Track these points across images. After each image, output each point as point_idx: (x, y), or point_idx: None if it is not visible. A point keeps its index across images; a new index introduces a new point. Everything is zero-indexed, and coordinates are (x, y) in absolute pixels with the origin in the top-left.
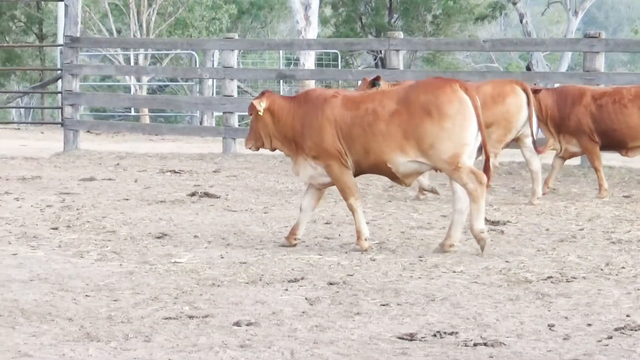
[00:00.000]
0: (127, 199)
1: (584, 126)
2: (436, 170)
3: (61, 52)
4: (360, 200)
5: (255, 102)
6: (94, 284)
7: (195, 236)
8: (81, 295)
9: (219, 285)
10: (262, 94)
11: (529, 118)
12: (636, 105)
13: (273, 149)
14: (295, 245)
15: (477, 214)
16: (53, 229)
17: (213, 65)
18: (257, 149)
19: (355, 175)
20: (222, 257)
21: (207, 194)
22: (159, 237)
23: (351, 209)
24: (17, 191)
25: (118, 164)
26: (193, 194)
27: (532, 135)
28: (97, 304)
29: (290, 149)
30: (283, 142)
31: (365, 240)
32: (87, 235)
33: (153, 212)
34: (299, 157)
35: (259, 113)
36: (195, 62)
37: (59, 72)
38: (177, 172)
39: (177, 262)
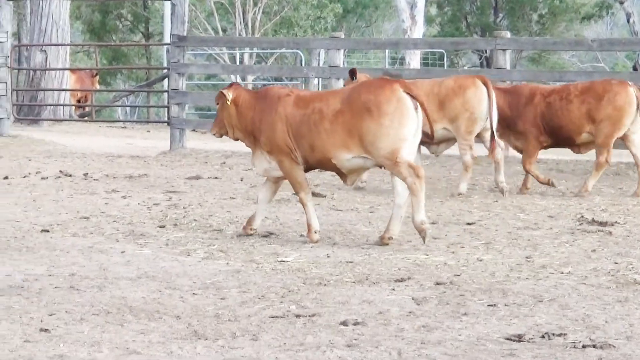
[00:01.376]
0: (233, 198)
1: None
2: (380, 167)
3: (168, 51)
4: (310, 194)
5: (225, 92)
6: (201, 282)
7: (302, 235)
8: (188, 293)
9: (325, 285)
10: (231, 85)
11: (489, 111)
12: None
13: (236, 139)
14: (251, 235)
15: (417, 207)
16: (160, 227)
17: (319, 64)
18: (221, 136)
19: (306, 170)
20: (328, 256)
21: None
22: (265, 236)
23: (302, 202)
24: (124, 189)
25: (224, 163)
26: None
27: (492, 129)
28: (205, 302)
29: (250, 142)
30: (244, 134)
31: (315, 232)
32: (194, 234)
33: None
34: (257, 150)
35: (227, 102)
36: (301, 61)
37: (166, 70)
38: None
39: (284, 261)
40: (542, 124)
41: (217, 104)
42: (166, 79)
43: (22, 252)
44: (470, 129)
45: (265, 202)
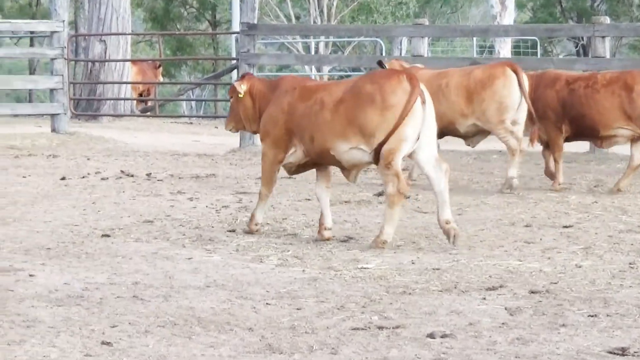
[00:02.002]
0: (308, 199)
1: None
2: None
3: (237, 40)
4: (269, 194)
5: (237, 85)
6: (274, 291)
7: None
8: (261, 304)
9: (410, 294)
10: (243, 76)
11: (523, 100)
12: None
13: (254, 132)
14: (328, 239)
15: (388, 221)
16: (230, 231)
17: (400, 53)
18: (237, 131)
19: (311, 166)
20: (413, 263)
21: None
22: (344, 241)
23: (260, 196)
24: (190, 190)
25: None
26: (380, 194)
27: (532, 115)
28: (279, 313)
29: None
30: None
31: (256, 225)
32: (267, 239)
33: (337, 213)
34: None
35: (239, 95)
36: (381, 50)
37: (235, 61)
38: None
39: (365, 268)
40: (563, 112)
41: (231, 97)
42: (235, 71)
43: (81, 258)
44: (502, 117)
45: (325, 196)
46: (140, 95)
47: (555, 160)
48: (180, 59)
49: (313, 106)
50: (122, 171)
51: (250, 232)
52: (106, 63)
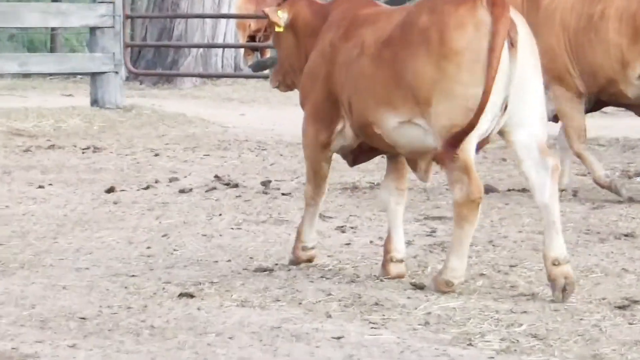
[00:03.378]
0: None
1: None
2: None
3: None
4: (319, 205)
5: (270, 12)
6: None
7: None
8: None
9: None
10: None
11: None
12: None
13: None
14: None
15: (456, 248)
16: (413, 287)
17: None
18: (288, 89)
19: (365, 151)
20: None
21: None
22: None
23: (305, 200)
24: (340, 212)
25: None
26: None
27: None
28: None
29: None
30: None
31: (304, 249)
32: (482, 301)
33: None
34: None
35: (278, 29)
36: None
37: None
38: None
39: None
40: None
41: (269, 33)
42: None
43: (142, 337)
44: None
45: (395, 205)
46: (252, 39)
47: None
48: None
49: (353, 50)
50: (216, 177)
51: (296, 262)
52: None
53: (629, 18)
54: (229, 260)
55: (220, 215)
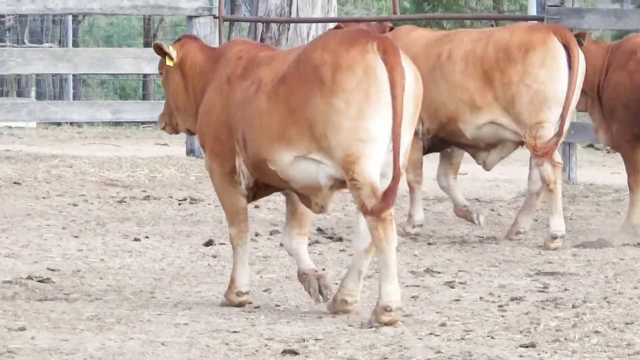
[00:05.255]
0: None
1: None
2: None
3: None
4: (246, 235)
5: (163, 47)
6: None
7: None
8: None
9: None
10: (179, 39)
11: (570, 86)
12: None
13: (189, 132)
14: None
15: (385, 276)
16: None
17: None
18: (175, 132)
19: (261, 190)
20: None
21: None
22: None
23: (231, 243)
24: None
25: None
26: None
27: (564, 113)
28: None
29: None
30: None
31: (239, 294)
32: None
33: None
34: None
35: (168, 64)
36: None
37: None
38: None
39: None
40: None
41: (161, 73)
42: None
43: None
44: (540, 116)
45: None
46: None
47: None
48: (431, 17)
49: (250, 87)
50: (319, 230)
51: (231, 304)
52: (291, 24)
53: (475, 61)
54: (334, 316)
55: (323, 269)
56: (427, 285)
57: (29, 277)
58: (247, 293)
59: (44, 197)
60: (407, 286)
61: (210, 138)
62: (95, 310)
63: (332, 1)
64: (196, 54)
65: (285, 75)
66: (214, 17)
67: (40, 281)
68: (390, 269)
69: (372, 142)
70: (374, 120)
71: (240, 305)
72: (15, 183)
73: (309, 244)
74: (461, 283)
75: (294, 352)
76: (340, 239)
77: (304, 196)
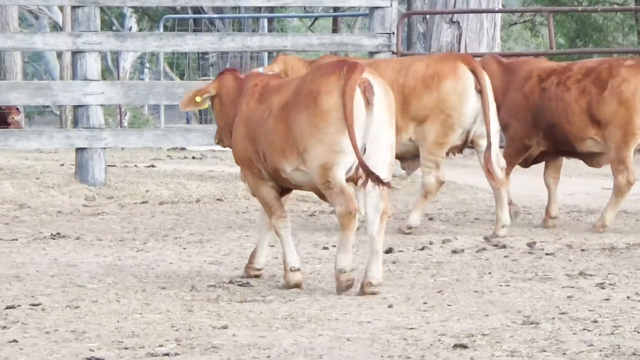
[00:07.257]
0: None
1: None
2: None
3: None
4: (286, 221)
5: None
6: None
7: None
8: None
9: None
10: (221, 73)
11: (484, 109)
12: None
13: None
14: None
15: (342, 248)
16: None
17: None
18: (223, 145)
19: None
20: None
21: None
22: None
23: (275, 231)
24: (600, 271)
25: None
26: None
27: (489, 135)
28: None
29: None
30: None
31: (293, 270)
32: None
33: None
34: None
35: (198, 100)
36: None
37: None
38: None
39: None
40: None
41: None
42: None
43: None
44: (443, 139)
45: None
46: None
47: None
48: (583, 52)
49: (264, 111)
50: (486, 239)
51: (288, 284)
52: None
53: (398, 88)
54: (498, 314)
55: (489, 273)
56: (580, 286)
57: (231, 282)
58: (299, 269)
59: (243, 212)
60: (563, 287)
61: (240, 151)
62: (289, 310)
63: (496, 38)
64: (230, 84)
65: (287, 101)
66: (392, 52)
67: (240, 285)
68: (347, 246)
69: (344, 153)
70: (345, 134)
71: (297, 285)
72: (218, 199)
73: (476, 251)
74: (611, 284)
75: (464, 346)
76: (504, 246)
77: (322, 196)
